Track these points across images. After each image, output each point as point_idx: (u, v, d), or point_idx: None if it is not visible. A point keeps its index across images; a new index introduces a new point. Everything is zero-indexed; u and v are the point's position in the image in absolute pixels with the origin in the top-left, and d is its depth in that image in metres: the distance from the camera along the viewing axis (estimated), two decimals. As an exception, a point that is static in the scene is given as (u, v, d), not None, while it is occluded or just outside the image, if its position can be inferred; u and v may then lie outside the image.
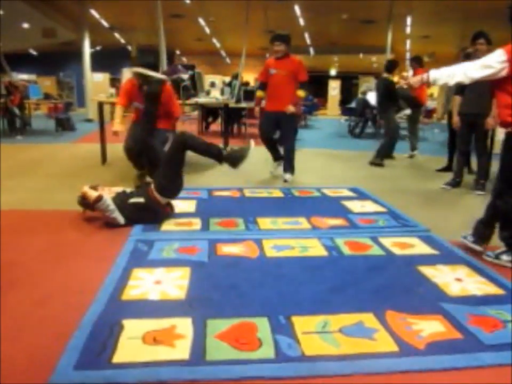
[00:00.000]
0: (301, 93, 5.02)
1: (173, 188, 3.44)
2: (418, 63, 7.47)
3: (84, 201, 3.37)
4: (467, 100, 4.70)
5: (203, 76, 7.56)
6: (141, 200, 3.32)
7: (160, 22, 11.23)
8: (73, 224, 3.41)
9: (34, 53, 23.59)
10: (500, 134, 6.91)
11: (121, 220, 3.25)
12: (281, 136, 5.45)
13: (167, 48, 12.24)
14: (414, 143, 7.47)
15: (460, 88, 4.78)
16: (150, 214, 3.34)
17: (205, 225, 3.38)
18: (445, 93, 6.73)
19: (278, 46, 4.94)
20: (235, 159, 3.43)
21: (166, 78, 4.49)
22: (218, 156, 3.43)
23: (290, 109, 4.94)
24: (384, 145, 6.61)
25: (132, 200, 3.32)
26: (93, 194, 3.26)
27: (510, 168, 2.71)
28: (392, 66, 6.86)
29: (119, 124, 4.26)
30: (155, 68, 4.29)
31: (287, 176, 5.13)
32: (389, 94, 6.59)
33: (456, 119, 4.81)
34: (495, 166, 5.20)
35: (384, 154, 6.57)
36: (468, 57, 5.37)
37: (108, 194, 3.31)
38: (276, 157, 5.44)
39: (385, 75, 6.79)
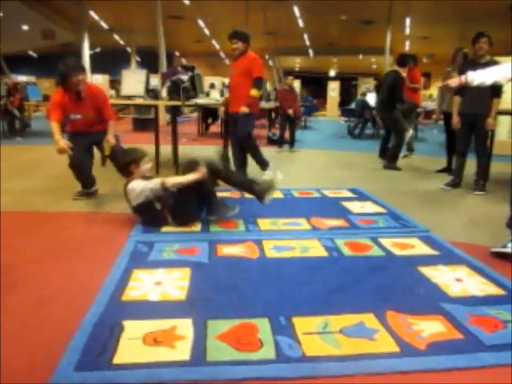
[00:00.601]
0: (254, 92, 4.69)
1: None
2: (412, 62, 7.39)
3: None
4: (467, 100, 4.70)
5: (203, 77, 7.55)
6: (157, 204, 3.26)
7: (160, 23, 11.25)
8: (73, 225, 3.41)
9: (34, 54, 23.61)
10: (499, 135, 6.95)
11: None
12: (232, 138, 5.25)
13: (167, 49, 12.26)
14: (410, 143, 7.45)
15: (460, 88, 4.77)
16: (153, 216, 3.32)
17: (205, 226, 3.38)
18: (439, 93, 6.70)
19: (235, 43, 4.73)
20: (263, 192, 3.52)
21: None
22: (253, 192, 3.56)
23: (243, 109, 4.68)
24: (395, 147, 6.45)
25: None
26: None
27: None
28: (404, 60, 6.54)
29: (62, 140, 3.81)
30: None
31: (265, 173, 4.97)
32: (396, 89, 6.31)
33: (456, 119, 4.81)
34: (494, 167, 5.23)
35: (396, 157, 6.45)
36: (466, 57, 5.39)
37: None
38: (261, 164, 5.17)
39: (395, 68, 6.52)
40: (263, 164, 5.14)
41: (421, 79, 7.57)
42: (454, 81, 3.05)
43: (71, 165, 4.01)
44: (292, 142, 8.34)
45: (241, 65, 4.75)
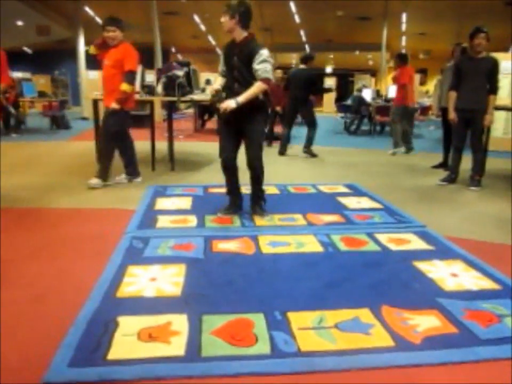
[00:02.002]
0: (125, 87, 4.23)
1: None
2: (402, 60, 7.36)
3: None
4: (463, 95, 4.70)
5: (198, 73, 7.53)
6: None
7: (155, 19, 11.20)
8: (68, 221, 3.40)
9: (29, 50, 23.47)
10: (495, 131, 6.95)
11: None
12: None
13: (162, 45, 12.22)
14: (398, 140, 7.45)
15: (456, 84, 4.78)
16: None
17: (200, 222, 3.37)
18: (437, 88, 6.68)
19: (113, 32, 4.28)
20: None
21: None
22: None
23: (113, 105, 4.24)
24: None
25: None
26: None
27: None
28: (305, 57, 6.98)
29: None
30: None
31: (123, 176, 4.72)
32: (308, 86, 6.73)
33: (452, 114, 4.81)
34: (489, 163, 5.24)
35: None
36: (464, 52, 5.38)
37: None
38: (129, 167, 4.75)
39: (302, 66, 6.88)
40: (131, 171, 4.73)
41: (410, 77, 7.35)
42: None
43: None
44: (269, 138, 8.04)
45: (114, 56, 4.30)
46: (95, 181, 4.40)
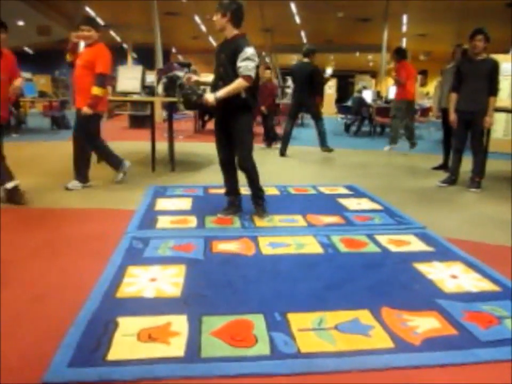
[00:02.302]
0: (95, 91, 4.08)
1: None
2: (400, 55, 7.31)
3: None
4: (463, 97, 4.70)
5: (199, 73, 7.53)
6: None
7: (156, 19, 11.20)
8: (68, 222, 3.40)
9: (30, 51, 23.47)
10: (495, 132, 6.95)
11: None
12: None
13: (163, 46, 12.23)
14: (395, 136, 7.45)
15: (456, 85, 4.78)
16: None
17: (200, 222, 3.37)
18: (437, 90, 6.68)
19: (88, 31, 4.18)
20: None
21: None
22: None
23: (85, 110, 4.10)
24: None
25: None
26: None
27: None
28: (307, 51, 6.94)
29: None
30: None
31: (120, 175, 4.64)
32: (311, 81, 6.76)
33: (452, 116, 4.81)
34: (490, 165, 5.24)
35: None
36: (465, 54, 5.38)
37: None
38: (114, 165, 4.66)
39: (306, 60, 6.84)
40: (115, 165, 4.63)
41: (409, 71, 7.23)
42: None
43: None
44: (268, 139, 7.97)
45: (87, 56, 4.18)
46: (73, 183, 4.37)
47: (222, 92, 3.16)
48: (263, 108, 7.72)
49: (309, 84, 6.83)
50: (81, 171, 4.43)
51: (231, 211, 3.54)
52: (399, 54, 7.36)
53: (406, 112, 7.35)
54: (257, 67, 3.24)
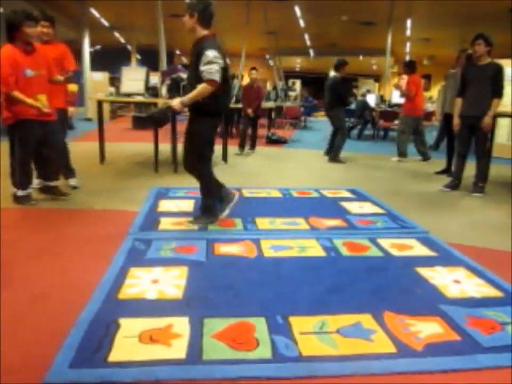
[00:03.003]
0: (73, 87, 4.15)
1: None
2: (411, 69, 7.20)
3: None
4: (467, 102, 4.68)
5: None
6: None
7: (160, 21, 11.22)
8: (71, 222, 3.40)
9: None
10: (499, 137, 6.93)
11: None
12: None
13: (167, 47, 12.24)
14: (403, 150, 7.28)
15: (461, 90, 4.77)
16: None
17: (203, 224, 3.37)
18: (441, 95, 6.66)
19: (47, 28, 4.12)
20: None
21: None
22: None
23: (69, 108, 4.09)
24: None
25: None
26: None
27: None
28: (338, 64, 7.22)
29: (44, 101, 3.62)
30: None
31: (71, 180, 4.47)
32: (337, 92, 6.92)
33: (456, 121, 4.80)
34: (493, 169, 5.22)
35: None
36: (470, 59, 5.37)
37: None
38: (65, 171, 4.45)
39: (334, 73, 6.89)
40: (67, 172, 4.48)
41: (418, 85, 7.14)
42: None
43: None
44: (252, 144, 7.63)
45: (50, 53, 4.01)
46: (74, 180, 4.46)
47: (187, 97, 3.12)
48: (249, 111, 7.44)
49: (331, 96, 6.92)
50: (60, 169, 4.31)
51: (222, 209, 3.43)
52: (410, 67, 7.25)
53: (415, 129, 7.25)
54: (225, 69, 3.14)
